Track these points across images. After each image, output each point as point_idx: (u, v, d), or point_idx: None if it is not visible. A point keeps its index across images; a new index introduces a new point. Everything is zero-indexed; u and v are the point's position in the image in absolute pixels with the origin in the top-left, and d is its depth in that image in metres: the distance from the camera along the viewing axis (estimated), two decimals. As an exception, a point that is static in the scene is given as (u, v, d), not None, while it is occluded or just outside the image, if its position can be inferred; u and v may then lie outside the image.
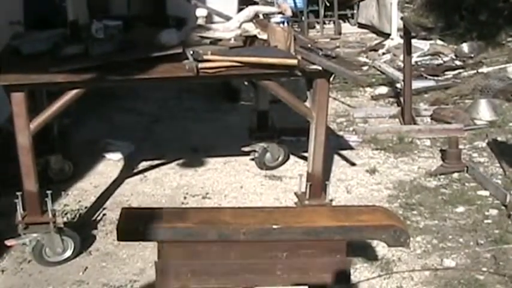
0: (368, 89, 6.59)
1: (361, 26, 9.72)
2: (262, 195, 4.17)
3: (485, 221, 3.78)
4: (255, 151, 4.50)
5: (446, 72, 7.04)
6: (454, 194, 4.14)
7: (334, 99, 6.11)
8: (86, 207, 3.96)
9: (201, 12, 3.84)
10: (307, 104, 3.52)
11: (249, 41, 3.57)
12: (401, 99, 5.76)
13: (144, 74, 3.18)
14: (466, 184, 4.28)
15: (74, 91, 3.14)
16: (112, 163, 4.57)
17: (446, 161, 4.55)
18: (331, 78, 3.31)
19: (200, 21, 3.79)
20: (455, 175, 4.41)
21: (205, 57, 3.19)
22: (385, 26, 8.80)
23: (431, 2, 9.90)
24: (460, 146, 4.68)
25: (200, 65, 3.16)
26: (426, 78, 6.76)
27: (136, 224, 1.53)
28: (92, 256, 3.46)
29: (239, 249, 1.56)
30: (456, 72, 7.05)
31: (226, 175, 4.43)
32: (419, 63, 7.36)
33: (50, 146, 4.11)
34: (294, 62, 3.20)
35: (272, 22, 3.38)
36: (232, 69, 3.23)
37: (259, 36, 3.57)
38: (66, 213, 3.83)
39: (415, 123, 5.38)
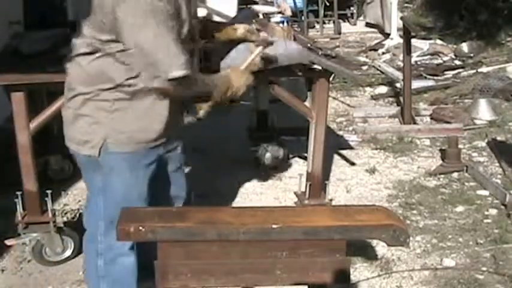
0: (368, 89, 6.61)
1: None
2: (262, 194, 4.18)
3: (485, 221, 3.78)
4: (254, 151, 4.50)
5: (445, 72, 7.05)
6: (454, 194, 4.14)
7: (334, 98, 6.12)
8: (85, 207, 3.96)
9: (200, 12, 3.84)
10: (307, 103, 3.52)
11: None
12: (401, 98, 5.77)
13: (143, 74, 3.17)
14: (466, 184, 4.29)
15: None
16: (112, 163, 4.57)
17: (445, 161, 4.55)
18: (330, 78, 3.31)
19: (200, 21, 3.79)
20: (455, 175, 4.42)
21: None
22: (386, 26, 8.83)
23: (431, 1, 9.91)
24: (460, 146, 4.69)
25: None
26: (426, 77, 6.77)
27: (136, 224, 1.53)
28: (91, 256, 3.46)
29: (239, 248, 1.56)
30: (456, 71, 7.07)
31: (226, 174, 4.43)
32: (419, 62, 7.37)
33: (50, 146, 4.11)
34: None
35: (272, 22, 3.38)
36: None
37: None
38: (66, 213, 3.83)
39: (414, 123, 5.38)
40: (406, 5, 10.35)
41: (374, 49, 8.27)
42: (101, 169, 2.38)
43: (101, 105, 2.28)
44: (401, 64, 6.14)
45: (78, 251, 3.40)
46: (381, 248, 3.43)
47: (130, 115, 2.30)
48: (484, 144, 4.99)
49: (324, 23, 9.76)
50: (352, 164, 4.67)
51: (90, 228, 2.57)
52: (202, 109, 2.54)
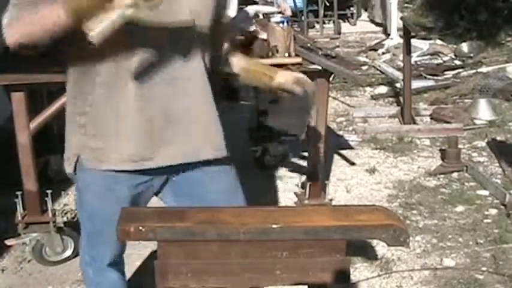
0: (368, 89, 6.61)
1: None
2: (262, 194, 4.17)
3: (485, 221, 3.78)
4: (255, 151, 4.50)
5: (445, 72, 7.06)
6: (454, 194, 4.14)
7: (334, 98, 6.12)
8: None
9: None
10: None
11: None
12: (401, 98, 5.78)
13: (143, 74, 3.17)
14: (466, 184, 4.29)
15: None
16: (112, 163, 4.57)
17: (445, 161, 4.55)
18: (330, 78, 3.31)
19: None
20: (455, 175, 4.42)
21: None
22: (388, 25, 8.86)
23: (431, 1, 9.92)
24: (460, 146, 4.69)
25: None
26: (426, 77, 6.78)
27: (135, 224, 1.53)
28: (91, 256, 3.46)
29: (239, 248, 1.56)
30: (456, 71, 7.07)
31: (226, 175, 4.43)
32: (418, 62, 7.37)
33: (50, 146, 4.11)
34: (299, 59, 3.21)
35: (272, 22, 3.38)
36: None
37: (259, 36, 3.58)
38: (66, 213, 3.83)
39: (414, 123, 5.39)
40: (406, 5, 10.36)
41: (374, 49, 8.28)
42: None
43: (70, 118, 2.00)
44: (401, 64, 6.14)
45: (78, 251, 3.40)
46: (381, 248, 3.43)
47: (104, 127, 1.92)
48: (484, 144, 4.99)
49: (324, 23, 9.77)
50: (352, 164, 4.67)
51: None
52: (94, 30, 1.69)
